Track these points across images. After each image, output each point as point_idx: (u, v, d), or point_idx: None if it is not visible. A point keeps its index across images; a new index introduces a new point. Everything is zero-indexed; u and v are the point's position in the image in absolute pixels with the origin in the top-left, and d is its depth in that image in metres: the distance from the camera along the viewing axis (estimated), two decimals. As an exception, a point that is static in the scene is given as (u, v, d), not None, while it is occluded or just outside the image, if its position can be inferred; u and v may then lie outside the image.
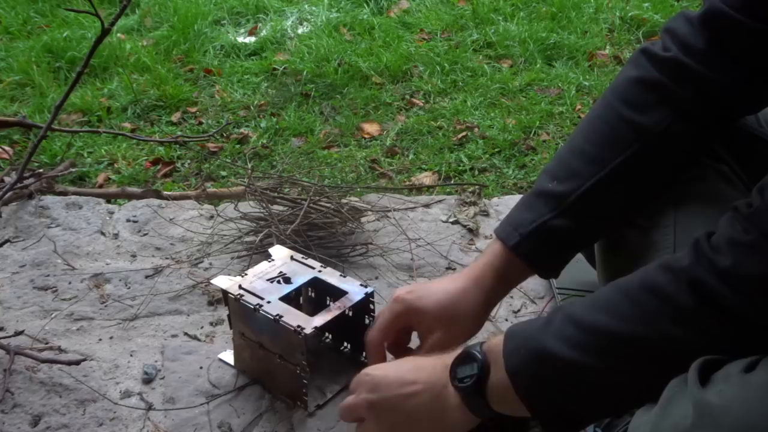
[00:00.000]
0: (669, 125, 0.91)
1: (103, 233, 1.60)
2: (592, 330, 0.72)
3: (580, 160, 0.94)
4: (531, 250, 0.94)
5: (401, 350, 1.07)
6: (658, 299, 0.71)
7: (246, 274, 1.18)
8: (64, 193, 1.74)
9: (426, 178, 2.14)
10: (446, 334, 0.97)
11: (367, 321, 1.18)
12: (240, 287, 1.14)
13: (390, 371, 0.90)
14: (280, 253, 1.25)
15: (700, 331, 0.68)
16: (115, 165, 2.24)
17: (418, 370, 0.87)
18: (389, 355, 1.08)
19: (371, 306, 1.16)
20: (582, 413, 0.76)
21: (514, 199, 1.72)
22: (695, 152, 0.97)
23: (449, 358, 0.83)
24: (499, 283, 0.98)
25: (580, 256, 1.31)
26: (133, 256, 1.53)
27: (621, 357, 0.72)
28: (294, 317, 1.08)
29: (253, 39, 3.12)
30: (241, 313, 1.14)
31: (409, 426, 0.86)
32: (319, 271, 1.20)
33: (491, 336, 0.83)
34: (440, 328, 0.97)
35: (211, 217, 1.65)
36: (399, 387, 0.86)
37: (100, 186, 2.10)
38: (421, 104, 2.60)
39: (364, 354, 1.21)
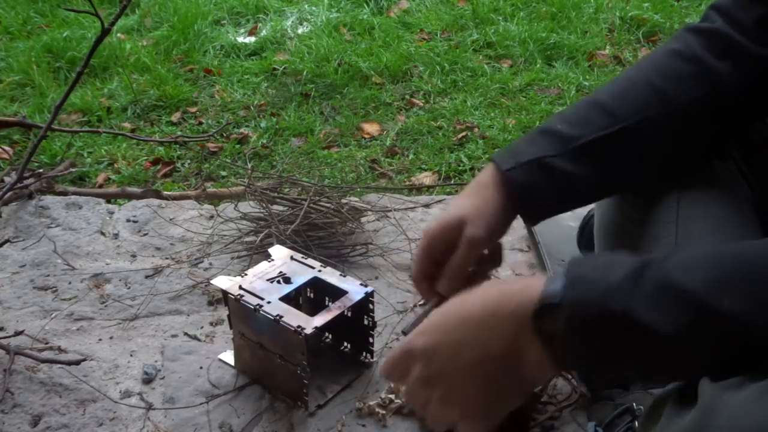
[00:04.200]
0: (697, 99, 0.89)
1: (103, 233, 1.60)
2: (721, 316, 0.59)
3: (597, 111, 0.92)
4: (523, 180, 0.89)
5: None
6: None
7: (246, 274, 1.18)
8: (64, 193, 1.74)
9: (426, 178, 2.14)
10: (479, 224, 0.88)
11: (366, 321, 1.18)
12: (240, 287, 1.14)
13: (438, 337, 0.72)
14: (280, 253, 1.25)
15: None
16: (115, 165, 2.24)
17: (475, 327, 0.70)
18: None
19: (371, 306, 1.16)
20: (641, 379, 0.69)
21: (514, 199, 1.72)
22: (713, 142, 0.95)
23: (516, 299, 0.68)
24: (500, 192, 0.91)
25: (580, 255, 1.31)
26: (133, 256, 1.53)
27: (730, 341, 0.60)
28: (294, 317, 1.08)
29: (253, 39, 3.12)
30: (241, 314, 1.14)
31: (479, 381, 0.70)
32: (319, 271, 1.20)
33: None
34: (469, 222, 0.89)
35: (211, 217, 1.65)
36: (457, 356, 0.70)
37: (100, 186, 2.10)
38: (421, 104, 2.59)
39: (364, 354, 1.21)
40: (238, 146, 2.35)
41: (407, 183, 2.10)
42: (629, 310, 0.60)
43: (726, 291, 0.60)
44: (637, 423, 1.01)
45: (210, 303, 1.39)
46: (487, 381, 0.70)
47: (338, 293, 1.15)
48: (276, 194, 1.58)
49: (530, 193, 0.90)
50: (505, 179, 0.89)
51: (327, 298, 1.18)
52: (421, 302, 1.07)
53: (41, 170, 1.81)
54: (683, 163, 0.95)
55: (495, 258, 0.94)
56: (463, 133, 2.37)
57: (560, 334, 0.63)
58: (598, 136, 0.89)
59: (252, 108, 2.57)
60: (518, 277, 0.72)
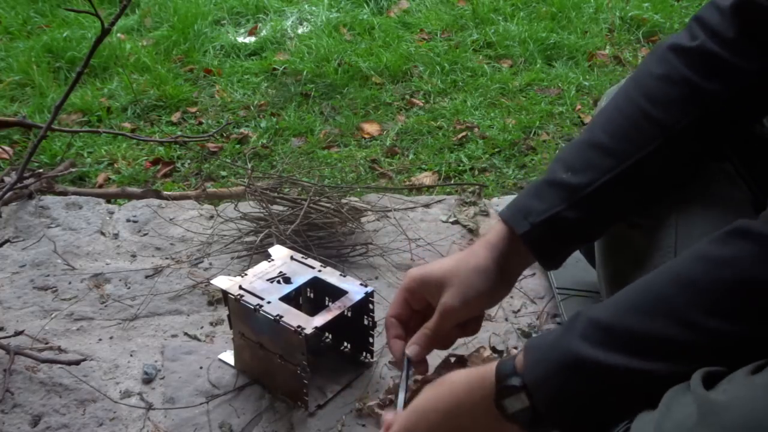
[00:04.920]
0: (692, 122, 0.89)
1: (103, 233, 1.60)
2: (625, 332, 0.70)
3: (598, 153, 0.92)
4: (540, 239, 0.91)
5: (414, 329, 1.01)
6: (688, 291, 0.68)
7: (246, 274, 1.18)
8: (64, 193, 1.74)
9: (426, 178, 2.14)
10: (456, 292, 0.92)
11: (366, 321, 1.18)
12: (240, 287, 1.14)
13: (421, 424, 0.82)
14: (280, 253, 1.25)
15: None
16: (115, 165, 2.24)
17: (454, 417, 0.79)
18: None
19: (371, 306, 1.16)
20: (610, 417, 0.73)
21: (514, 199, 1.72)
22: (716, 150, 0.96)
23: (482, 389, 0.77)
24: (499, 264, 0.94)
25: (580, 256, 1.31)
26: (133, 256, 1.53)
27: (661, 358, 0.68)
28: (294, 317, 1.08)
29: (253, 39, 3.12)
30: (241, 314, 1.14)
31: None
32: (319, 271, 1.20)
33: (514, 356, 0.77)
34: (448, 287, 0.93)
35: (211, 217, 1.65)
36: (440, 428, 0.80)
37: (100, 186, 2.10)
38: (421, 104, 2.60)
39: (364, 354, 1.21)
40: (238, 146, 2.35)
41: (407, 183, 2.11)
42: (568, 351, 0.70)
43: (628, 312, 0.71)
44: (632, 426, 1.00)
45: (210, 303, 1.39)
46: None
47: (338, 293, 1.15)
48: (276, 194, 1.58)
49: (546, 249, 0.93)
50: (521, 242, 0.91)
51: (327, 298, 1.18)
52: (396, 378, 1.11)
53: (41, 170, 1.81)
54: (684, 177, 0.96)
55: (471, 325, 0.98)
56: (463, 133, 2.37)
57: (526, 405, 0.72)
58: (605, 180, 0.90)
59: (252, 108, 2.57)
60: (476, 368, 0.80)
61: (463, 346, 1.25)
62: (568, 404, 0.71)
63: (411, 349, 0.97)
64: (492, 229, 0.96)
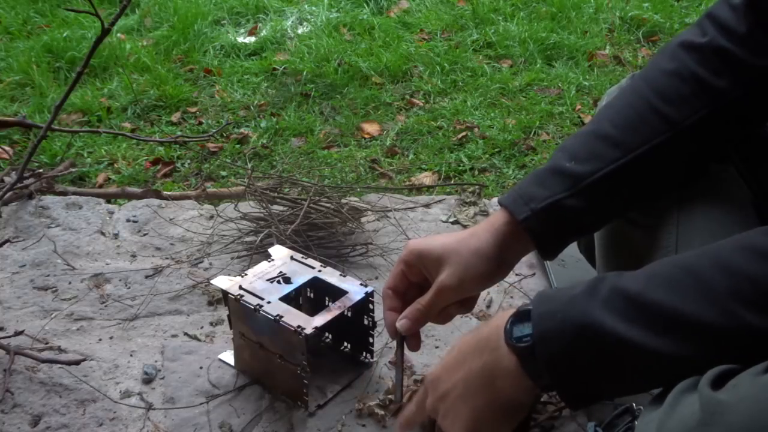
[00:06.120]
0: (701, 119, 0.89)
1: (103, 233, 1.60)
2: (651, 307, 0.68)
3: (603, 143, 0.91)
4: (539, 226, 0.90)
5: (411, 301, 1.01)
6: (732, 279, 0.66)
7: (246, 274, 1.18)
8: (64, 193, 1.74)
9: (426, 178, 2.14)
10: (453, 271, 0.92)
11: (366, 321, 1.18)
12: (240, 287, 1.14)
13: (440, 369, 0.86)
14: (280, 253, 1.25)
15: None
16: (115, 165, 2.24)
17: (463, 353, 0.83)
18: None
19: (371, 306, 1.16)
20: (609, 389, 0.73)
21: (514, 199, 1.72)
22: (723, 148, 0.95)
23: (501, 320, 0.78)
24: (500, 248, 0.94)
25: (580, 256, 1.31)
26: (133, 256, 1.53)
27: (681, 338, 0.67)
28: (294, 317, 1.08)
29: (253, 39, 3.12)
30: (241, 314, 1.14)
31: (465, 399, 0.81)
32: (319, 271, 1.20)
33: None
34: (446, 265, 0.92)
35: (211, 217, 1.65)
36: (455, 365, 0.83)
37: (100, 186, 2.10)
38: (421, 104, 2.60)
39: (364, 354, 1.21)
40: (238, 146, 2.35)
41: (407, 183, 2.11)
42: (587, 315, 0.70)
43: (660, 286, 0.69)
44: (637, 423, 1.00)
45: (210, 303, 1.39)
46: (474, 400, 0.80)
47: (338, 293, 1.15)
48: (276, 194, 1.58)
49: (545, 237, 0.92)
50: (521, 228, 0.90)
51: (327, 298, 1.18)
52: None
53: (41, 170, 1.81)
54: (688, 176, 0.95)
55: (468, 302, 0.98)
56: (463, 133, 2.37)
57: (530, 344, 0.73)
58: (609, 170, 0.89)
59: (252, 108, 2.57)
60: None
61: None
62: (571, 365, 0.71)
63: (401, 323, 0.96)
64: (494, 213, 0.95)
